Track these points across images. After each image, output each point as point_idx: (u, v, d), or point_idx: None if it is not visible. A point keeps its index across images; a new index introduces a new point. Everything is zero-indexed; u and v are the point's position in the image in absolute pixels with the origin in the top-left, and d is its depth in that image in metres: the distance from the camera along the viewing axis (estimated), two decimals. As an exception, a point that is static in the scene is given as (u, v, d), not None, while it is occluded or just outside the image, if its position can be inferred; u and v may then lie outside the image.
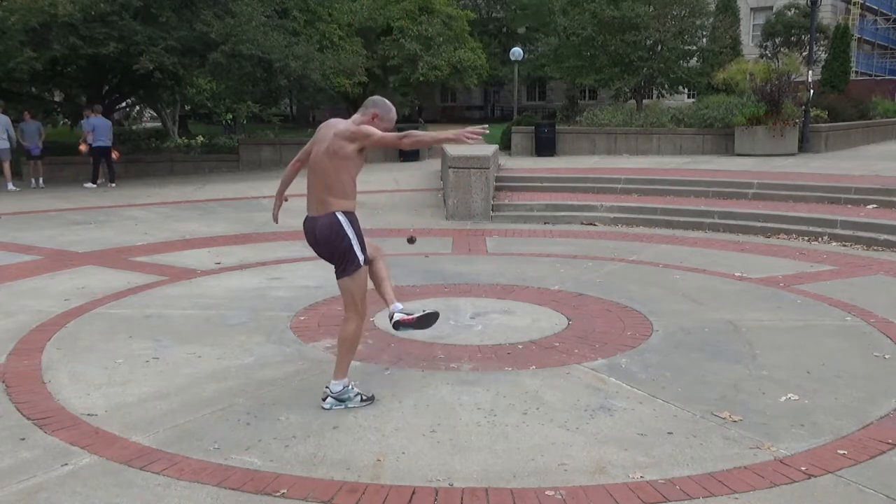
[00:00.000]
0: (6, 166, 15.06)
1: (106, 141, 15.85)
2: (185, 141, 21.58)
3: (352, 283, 4.13)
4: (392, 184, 15.19)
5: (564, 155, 19.04)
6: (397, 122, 4.37)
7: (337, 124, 4.15)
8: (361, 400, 4.22)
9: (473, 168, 11.71)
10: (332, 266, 4.19)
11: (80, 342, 5.37)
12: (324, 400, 4.21)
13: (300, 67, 17.07)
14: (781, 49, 29.43)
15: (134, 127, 29.33)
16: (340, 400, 4.18)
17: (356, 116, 4.18)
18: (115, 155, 16.16)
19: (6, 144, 14.93)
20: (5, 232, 10.10)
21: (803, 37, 28.53)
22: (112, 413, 4.11)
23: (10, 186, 14.95)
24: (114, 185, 15.73)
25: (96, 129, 15.65)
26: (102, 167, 15.96)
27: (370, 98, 4.28)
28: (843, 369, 4.82)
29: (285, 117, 35.76)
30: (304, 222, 4.18)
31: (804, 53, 24.49)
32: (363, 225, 4.19)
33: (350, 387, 4.22)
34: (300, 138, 22.19)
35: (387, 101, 4.23)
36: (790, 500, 3.21)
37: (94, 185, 15.57)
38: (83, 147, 15.69)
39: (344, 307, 4.24)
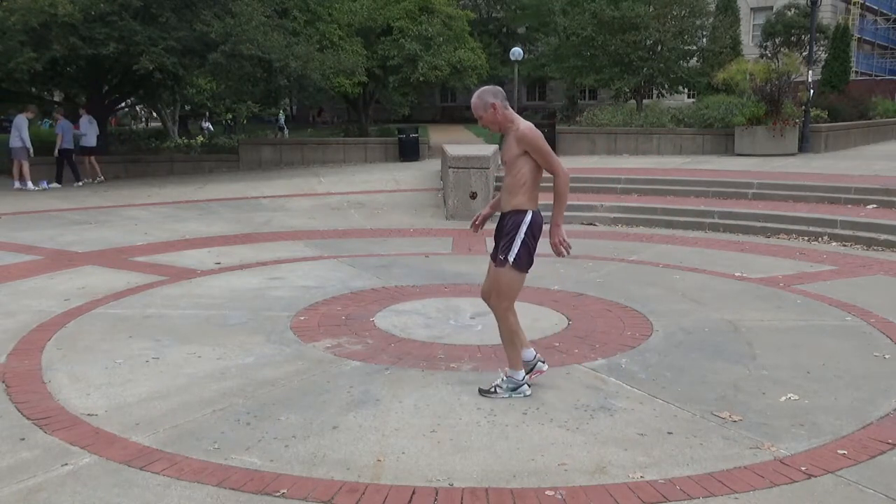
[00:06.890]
0: (25, 166, 15.07)
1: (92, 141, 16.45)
2: (185, 141, 21.58)
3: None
4: (392, 184, 15.18)
5: (564, 155, 18.99)
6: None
7: None
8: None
9: (473, 168, 11.69)
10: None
11: (81, 342, 5.37)
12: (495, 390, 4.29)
13: (300, 67, 17.05)
14: (781, 49, 29.43)
15: (134, 127, 29.34)
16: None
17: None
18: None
19: (19, 144, 14.97)
20: (5, 232, 10.09)
21: (803, 37, 28.55)
22: (112, 413, 4.11)
23: (31, 185, 14.99)
24: (80, 184, 15.93)
25: (90, 130, 16.13)
26: (74, 167, 16.19)
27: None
28: (843, 369, 4.82)
29: (285, 117, 35.78)
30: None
31: (804, 53, 24.47)
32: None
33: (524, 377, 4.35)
34: (300, 138, 22.20)
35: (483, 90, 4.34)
36: (790, 500, 3.21)
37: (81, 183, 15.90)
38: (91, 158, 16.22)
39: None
